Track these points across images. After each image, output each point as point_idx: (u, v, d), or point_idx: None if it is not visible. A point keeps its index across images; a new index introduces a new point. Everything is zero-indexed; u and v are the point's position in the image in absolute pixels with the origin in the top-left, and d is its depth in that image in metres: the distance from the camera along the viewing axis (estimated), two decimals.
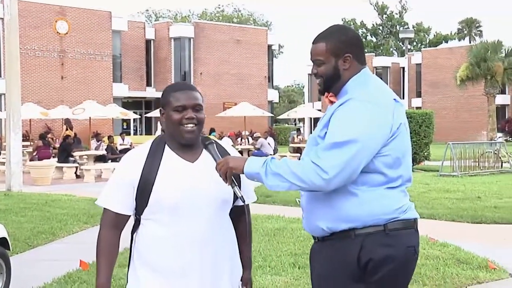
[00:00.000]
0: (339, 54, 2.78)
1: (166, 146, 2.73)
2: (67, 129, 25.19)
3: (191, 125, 2.66)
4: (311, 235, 2.85)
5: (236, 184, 2.68)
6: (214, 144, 2.78)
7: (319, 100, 62.71)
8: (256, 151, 24.54)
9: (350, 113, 2.63)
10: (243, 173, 2.66)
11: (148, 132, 43.61)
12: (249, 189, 2.91)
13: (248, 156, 25.82)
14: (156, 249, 2.67)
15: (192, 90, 2.71)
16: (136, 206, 2.70)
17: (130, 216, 2.73)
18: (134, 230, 2.77)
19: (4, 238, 5.86)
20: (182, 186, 2.65)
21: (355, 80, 2.78)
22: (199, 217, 2.67)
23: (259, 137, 25.88)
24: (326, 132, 2.65)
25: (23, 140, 18.22)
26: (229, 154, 2.81)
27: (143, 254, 2.70)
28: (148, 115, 38.62)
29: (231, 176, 2.65)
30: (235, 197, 2.80)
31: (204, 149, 2.76)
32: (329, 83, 2.82)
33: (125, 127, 40.81)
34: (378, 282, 2.66)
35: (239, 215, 2.91)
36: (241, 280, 2.88)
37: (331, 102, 2.81)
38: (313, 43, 2.84)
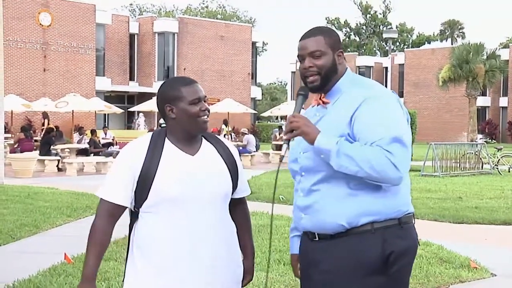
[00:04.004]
0: (336, 48, 2.77)
1: (166, 139, 2.75)
2: (48, 123, 25.05)
3: (206, 116, 2.74)
4: (312, 234, 2.78)
5: (288, 145, 2.68)
6: (304, 98, 2.79)
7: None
8: (241, 148, 24.49)
9: (387, 109, 2.66)
10: (312, 144, 2.61)
11: (130, 127, 43.40)
12: (245, 182, 2.95)
13: None
14: (155, 242, 2.69)
15: (198, 83, 2.79)
16: (135, 199, 2.71)
17: (126, 207, 2.74)
18: (133, 223, 2.78)
19: None
20: (183, 179, 2.67)
21: (346, 78, 2.78)
22: (199, 210, 2.70)
23: (246, 133, 25.73)
24: (348, 133, 2.64)
25: (3, 132, 18.06)
26: (229, 150, 2.85)
27: (142, 246, 2.72)
28: (131, 109, 38.40)
29: (293, 137, 2.63)
30: (235, 188, 2.85)
31: (203, 142, 2.81)
32: (327, 77, 2.76)
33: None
34: (395, 273, 2.68)
35: (237, 206, 2.94)
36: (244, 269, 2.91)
37: (324, 103, 2.77)
38: (307, 37, 2.78)
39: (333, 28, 79.51)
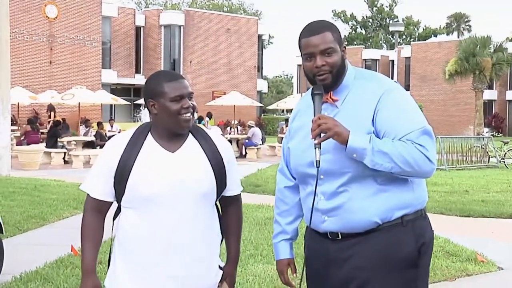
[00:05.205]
0: (341, 44, 2.68)
1: (149, 134, 2.68)
2: (54, 116, 25.09)
3: (189, 114, 2.62)
4: (334, 234, 2.70)
5: (320, 148, 2.57)
6: (321, 97, 2.68)
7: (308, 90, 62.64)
8: (246, 141, 24.50)
9: (407, 100, 2.66)
10: (344, 144, 2.53)
11: (137, 119, 43.46)
12: (237, 179, 2.86)
13: (237, 145, 25.20)
14: (132, 238, 2.65)
15: (183, 79, 2.66)
16: (115, 193, 2.68)
17: (112, 202, 2.72)
18: (116, 216, 2.76)
19: None
20: (158, 177, 2.59)
21: (350, 73, 2.71)
22: (175, 208, 2.61)
23: (253, 126, 25.74)
24: (373, 131, 2.60)
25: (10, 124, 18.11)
26: (216, 147, 2.73)
27: (121, 241, 2.70)
28: (137, 102, 38.44)
29: (325, 140, 2.54)
30: (223, 187, 2.74)
31: (187, 138, 2.70)
32: (338, 75, 2.67)
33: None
34: (423, 264, 2.69)
35: (228, 206, 2.86)
36: (222, 274, 2.81)
37: (333, 101, 2.69)
38: (314, 33, 2.64)
39: (340, 21, 79.32)
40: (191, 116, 2.64)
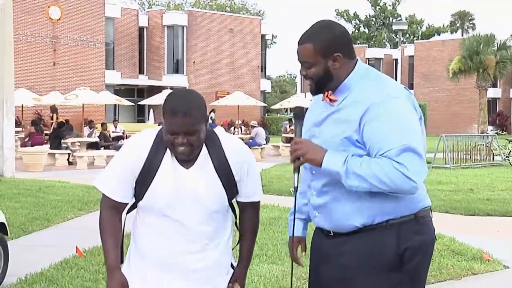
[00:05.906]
0: (328, 55, 2.64)
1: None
2: (57, 118, 25.11)
3: (182, 148, 2.55)
4: (327, 230, 2.75)
5: (299, 172, 2.65)
6: (301, 120, 2.73)
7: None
8: (250, 140, 24.50)
9: (397, 114, 2.55)
10: (319, 167, 2.58)
11: (141, 120, 43.50)
12: (253, 186, 2.78)
13: None
14: (147, 239, 2.68)
15: (186, 116, 2.49)
16: (134, 193, 2.68)
17: (128, 202, 2.71)
18: (129, 211, 2.77)
19: (3, 224, 5.86)
20: (174, 193, 2.60)
21: (356, 73, 2.68)
22: (188, 220, 2.64)
23: (256, 126, 25.74)
24: (357, 139, 2.57)
25: (14, 126, 18.14)
26: (226, 158, 2.66)
27: (136, 239, 2.73)
28: (141, 103, 38.49)
29: (300, 165, 2.63)
30: (234, 194, 2.72)
31: (201, 151, 2.64)
32: (321, 84, 2.70)
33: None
34: (411, 270, 2.65)
35: (244, 211, 2.85)
36: (233, 274, 2.82)
37: (331, 101, 2.70)
38: (299, 43, 2.68)
39: (343, 20, 79.12)
40: (186, 149, 2.55)
